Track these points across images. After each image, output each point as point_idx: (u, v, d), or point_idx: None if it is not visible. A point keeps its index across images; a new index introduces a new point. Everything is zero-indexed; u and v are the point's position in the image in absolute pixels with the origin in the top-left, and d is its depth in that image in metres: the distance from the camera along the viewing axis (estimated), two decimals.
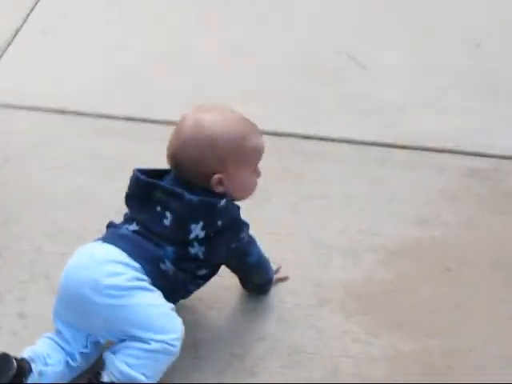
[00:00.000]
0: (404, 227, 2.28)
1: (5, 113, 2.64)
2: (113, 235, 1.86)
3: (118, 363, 1.74)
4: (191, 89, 2.73)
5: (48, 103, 2.66)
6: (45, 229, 2.22)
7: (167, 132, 1.91)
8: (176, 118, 1.94)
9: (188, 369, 1.90)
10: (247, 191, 1.96)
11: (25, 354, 1.79)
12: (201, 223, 1.82)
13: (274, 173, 2.32)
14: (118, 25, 3.04)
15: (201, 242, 1.84)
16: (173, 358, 1.79)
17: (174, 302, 1.87)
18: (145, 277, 1.80)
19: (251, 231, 1.96)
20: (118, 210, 1.95)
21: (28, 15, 3.05)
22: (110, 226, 1.91)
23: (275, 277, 2.11)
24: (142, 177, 1.85)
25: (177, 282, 1.85)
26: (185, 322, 1.82)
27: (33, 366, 1.76)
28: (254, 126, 1.95)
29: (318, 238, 2.24)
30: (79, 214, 2.27)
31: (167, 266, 1.82)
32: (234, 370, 1.92)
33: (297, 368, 1.93)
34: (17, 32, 2.97)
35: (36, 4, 3.11)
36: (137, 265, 1.79)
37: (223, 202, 1.84)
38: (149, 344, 1.74)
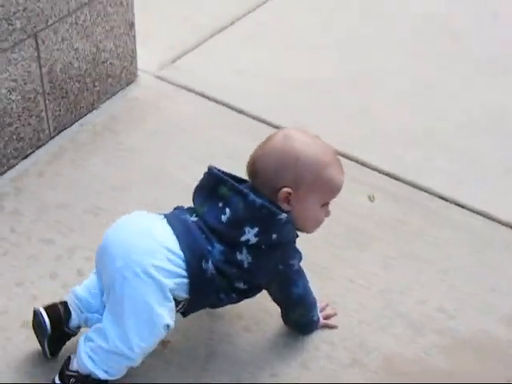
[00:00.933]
0: (488, 321, 2.03)
1: (183, 94, 2.77)
2: (174, 217, 1.84)
3: (83, 354, 1.75)
4: None
5: (226, 97, 2.74)
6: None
7: None
8: None
9: None
10: (310, 222, 1.88)
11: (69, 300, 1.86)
12: (256, 229, 1.77)
13: (392, 221, 2.24)
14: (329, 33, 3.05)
15: (250, 249, 1.79)
16: (133, 364, 1.76)
17: (199, 307, 1.87)
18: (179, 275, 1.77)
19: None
20: None
21: (254, 9, 3.16)
22: (177, 208, 1.91)
23: (322, 321, 2.00)
24: (215, 170, 1.84)
25: (211, 285, 1.80)
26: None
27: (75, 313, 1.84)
28: (339, 162, 1.89)
29: (391, 298, 2.08)
30: None
31: (209, 265, 1.78)
32: None
33: None
34: (233, 22, 3.09)
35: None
36: (180, 253, 1.76)
37: (284, 216, 1.78)
38: (107, 343, 1.72)
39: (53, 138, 2.53)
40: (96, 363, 1.74)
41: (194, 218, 1.83)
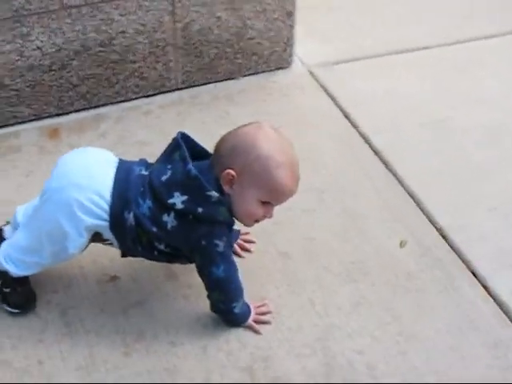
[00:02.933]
0: None
1: (322, 99, 2.89)
2: (125, 165, 1.99)
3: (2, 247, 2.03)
4: None
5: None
6: None
7: None
8: None
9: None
10: (244, 213, 1.95)
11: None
12: (185, 197, 1.90)
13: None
14: None
15: (177, 214, 1.91)
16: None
17: (130, 253, 2.03)
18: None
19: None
20: None
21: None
22: (142, 159, 2.05)
23: (255, 317, 2.04)
24: (179, 136, 1.98)
25: (128, 235, 1.95)
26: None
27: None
28: (294, 170, 1.92)
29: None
30: None
31: (130, 216, 1.92)
32: None
33: None
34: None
35: None
36: (108, 199, 1.92)
37: (215, 195, 1.89)
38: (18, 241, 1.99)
39: (180, 89, 2.83)
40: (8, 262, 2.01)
41: (144, 172, 1.98)
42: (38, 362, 1.94)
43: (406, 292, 2.12)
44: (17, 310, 2.04)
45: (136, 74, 2.73)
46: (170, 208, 1.90)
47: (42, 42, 2.53)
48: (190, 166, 1.89)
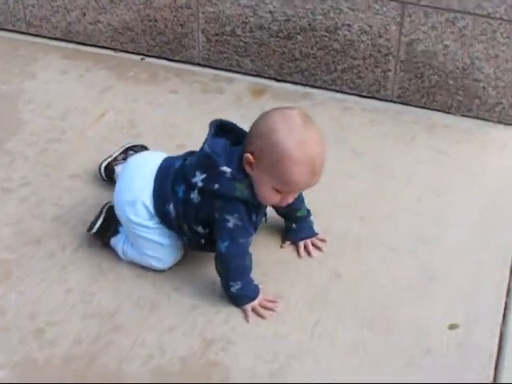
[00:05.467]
0: None
1: None
2: (165, 164, 2.17)
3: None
4: None
5: None
6: None
7: None
8: None
9: None
10: (260, 195, 2.03)
11: None
12: (204, 175, 2.04)
13: None
14: None
15: (199, 191, 2.06)
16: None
17: (192, 248, 2.23)
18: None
19: None
20: None
21: None
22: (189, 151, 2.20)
23: (255, 306, 2.11)
24: (215, 123, 2.10)
25: (176, 224, 2.13)
26: None
27: None
28: (312, 165, 1.94)
29: None
30: None
31: (170, 206, 2.10)
32: None
33: None
34: None
35: None
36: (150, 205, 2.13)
37: (228, 171, 2.01)
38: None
39: (393, 101, 2.88)
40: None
41: (181, 163, 2.14)
42: None
43: None
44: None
45: (354, 70, 2.87)
46: (194, 186, 2.07)
47: (274, 7, 2.83)
48: (206, 145, 2.05)
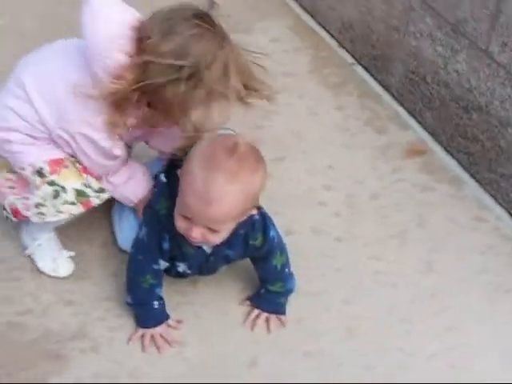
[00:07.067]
0: None
1: None
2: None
3: None
4: None
5: None
6: None
7: None
8: None
9: None
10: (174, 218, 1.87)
11: None
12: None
13: None
14: None
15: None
16: None
17: None
18: None
19: None
20: None
21: None
22: None
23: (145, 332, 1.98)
24: None
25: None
26: None
27: None
28: (211, 196, 1.73)
29: None
30: None
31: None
32: None
33: None
34: None
35: None
36: None
37: (164, 182, 1.92)
38: None
39: None
40: None
41: None
42: None
43: None
44: None
45: None
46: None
47: (463, 69, 2.36)
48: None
